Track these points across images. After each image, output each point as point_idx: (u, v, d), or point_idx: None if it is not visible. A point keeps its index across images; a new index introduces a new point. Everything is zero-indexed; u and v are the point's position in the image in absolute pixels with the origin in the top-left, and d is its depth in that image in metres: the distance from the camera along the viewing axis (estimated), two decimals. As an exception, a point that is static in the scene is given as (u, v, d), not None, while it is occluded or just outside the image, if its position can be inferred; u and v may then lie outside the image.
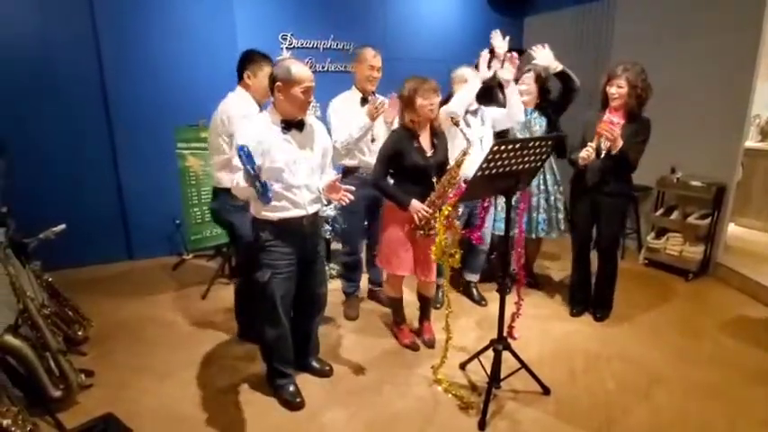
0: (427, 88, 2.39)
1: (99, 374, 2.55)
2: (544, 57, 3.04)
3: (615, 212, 3.00)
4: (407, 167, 2.49)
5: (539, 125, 3.16)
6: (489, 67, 2.76)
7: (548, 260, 4.18)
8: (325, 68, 4.62)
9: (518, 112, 2.91)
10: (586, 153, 2.75)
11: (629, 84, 2.73)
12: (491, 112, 3.07)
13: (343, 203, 2.23)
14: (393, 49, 4.88)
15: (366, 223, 3.31)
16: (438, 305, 3.23)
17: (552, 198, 3.29)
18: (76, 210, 3.79)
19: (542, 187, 3.27)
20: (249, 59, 2.56)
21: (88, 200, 3.99)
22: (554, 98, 3.19)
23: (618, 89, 2.77)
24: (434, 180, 2.49)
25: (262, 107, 2.59)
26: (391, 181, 2.60)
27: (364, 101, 2.99)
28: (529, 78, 3.17)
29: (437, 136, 2.55)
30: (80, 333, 2.86)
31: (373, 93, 3.04)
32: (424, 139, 2.51)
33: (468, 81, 2.82)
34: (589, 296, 3.27)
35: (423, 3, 5.08)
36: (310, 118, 2.25)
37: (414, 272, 2.63)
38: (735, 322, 3.18)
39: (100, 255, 4.11)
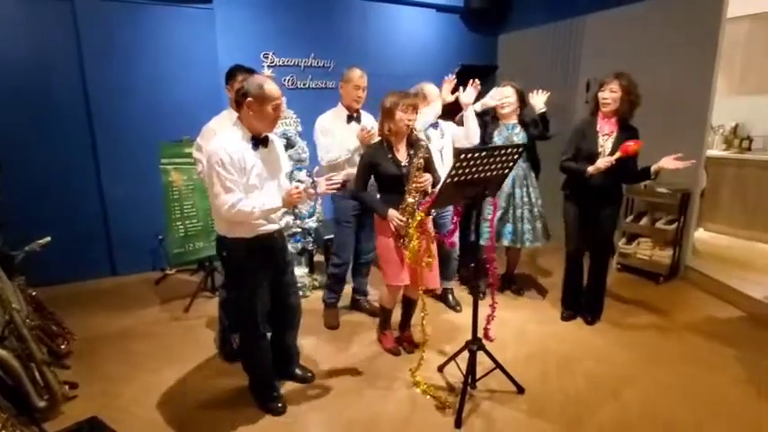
0: (408, 104, 2.51)
1: (83, 386, 2.57)
2: (539, 100, 3.27)
3: (612, 216, 3.12)
4: (383, 177, 2.61)
5: (520, 140, 3.28)
6: (453, 92, 3.15)
7: (528, 266, 4.30)
8: (306, 86, 4.76)
9: (474, 135, 3.18)
10: (605, 164, 2.81)
11: (623, 89, 2.85)
12: (451, 128, 3.30)
13: (335, 190, 2.32)
14: (373, 65, 5.00)
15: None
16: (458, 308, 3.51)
17: (536, 209, 3.43)
18: (60, 227, 3.80)
19: (526, 199, 3.41)
20: (228, 74, 2.72)
21: (72, 217, 4.02)
22: (528, 122, 3.34)
23: (611, 93, 2.88)
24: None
25: None
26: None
27: (350, 118, 3.15)
28: (509, 90, 3.32)
29: (413, 147, 2.65)
30: (63, 347, 2.89)
31: (358, 111, 3.17)
32: (401, 150, 2.63)
33: (431, 101, 3.15)
34: (580, 301, 3.37)
35: (401, 21, 5.27)
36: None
37: (411, 280, 2.65)
38: (703, 322, 3.32)
39: (83, 271, 4.13)
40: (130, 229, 4.19)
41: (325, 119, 3.18)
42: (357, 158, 3.07)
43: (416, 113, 2.58)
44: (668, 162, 2.79)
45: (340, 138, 3.09)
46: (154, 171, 3.70)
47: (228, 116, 2.72)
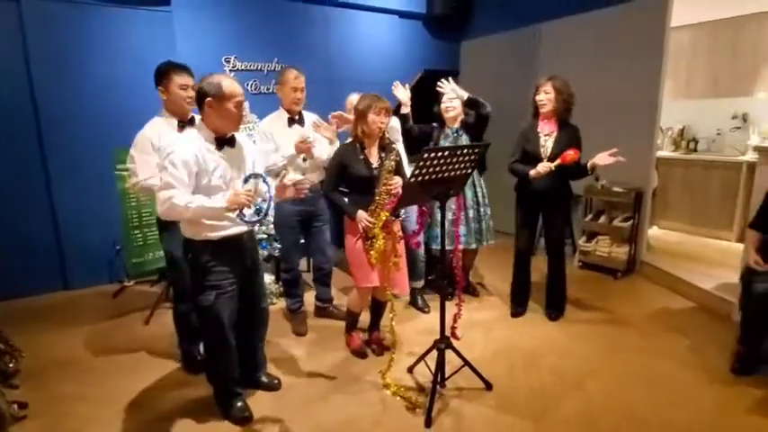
0: (380, 107, 2.53)
1: (34, 406, 2.43)
2: (450, 90, 3.32)
3: (563, 213, 3.22)
4: (354, 178, 2.61)
5: (465, 141, 3.36)
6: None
7: (487, 267, 4.36)
8: (270, 90, 4.69)
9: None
10: (544, 170, 2.92)
11: (556, 89, 3.00)
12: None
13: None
14: (337, 70, 5.06)
15: (304, 240, 3.35)
16: (426, 309, 3.52)
17: (482, 210, 3.50)
18: (7, 238, 3.62)
19: (475, 199, 3.48)
20: (159, 74, 2.56)
21: (20, 227, 3.80)
22: (471, 122, 3.39)
23: (545, 95, 3.03)
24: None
25: (186, 121, 2.59)
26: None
27: (291, 121, 3.09)
28: (453, 94, 3.37)
29: (385, 150, 2.65)
30: (11, 365, 2.71)
31: (300, 113, 3.13)
32: (372, 152, 2.64)
33: None
34: (528, 298, 3.46)
35: (365, 27, 5.29)
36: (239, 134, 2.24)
37: (380, 282, 2.63)
38: (658, 314, 3.46)
39: (33, 285, 3.90)
40: (84, 239, 3.99)
41: (265, 123, 3.13)
42: (305, 163, 3.06)
43: (389, 117, 2.60)
44: (602, 158, 2.94)
45: (280, 142, 3.01)
46: (109, 178, 3.56)
47: (165, 122, 2.58)
